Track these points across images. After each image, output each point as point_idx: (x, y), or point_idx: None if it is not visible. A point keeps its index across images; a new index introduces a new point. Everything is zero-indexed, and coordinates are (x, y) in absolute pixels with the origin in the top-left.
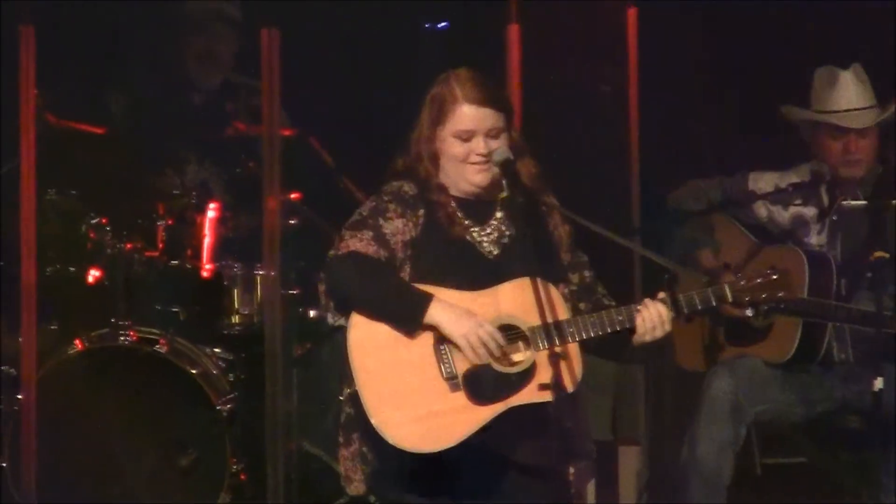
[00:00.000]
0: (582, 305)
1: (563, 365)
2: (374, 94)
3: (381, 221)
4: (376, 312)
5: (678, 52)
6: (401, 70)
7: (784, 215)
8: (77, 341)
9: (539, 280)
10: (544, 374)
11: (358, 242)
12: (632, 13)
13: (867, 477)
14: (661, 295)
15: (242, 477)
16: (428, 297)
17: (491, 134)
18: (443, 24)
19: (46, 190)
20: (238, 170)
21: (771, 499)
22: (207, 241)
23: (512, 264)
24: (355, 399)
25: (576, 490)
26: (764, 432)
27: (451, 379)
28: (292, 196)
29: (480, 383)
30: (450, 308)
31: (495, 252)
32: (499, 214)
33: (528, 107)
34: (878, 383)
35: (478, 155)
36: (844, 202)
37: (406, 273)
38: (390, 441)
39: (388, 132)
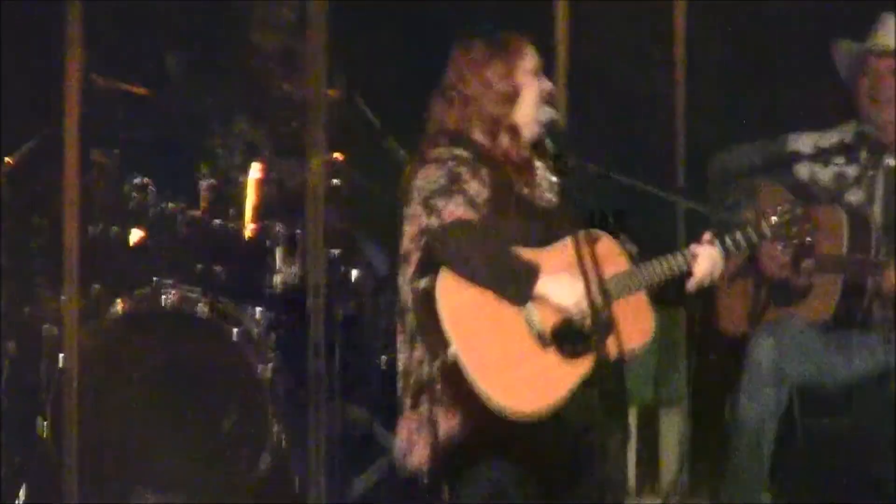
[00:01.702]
0: None
1: (637, 315)
2: (421, 56)
3: (464, 186)
4: (487, 283)
5: (722, 13)
6: (448, 33)
7: (826, 174)
8: (119, 301)
9: (602, 232)
10: (624, 324)
11: (457, 209)
12: None
13: None
14: (707, 236)
15: (284, 438)
16: (535, 271)
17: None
18: None
19: (90, 150)
20: (283, 129)
21: (814, 459)
22: (251, 201)
23: (568, 211)
24: (452, 367)
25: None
26: (806, 394)
27: (540, 337)
28: (336, 156)
29: (568, 339)
30: (555, 279)
31: (554, 200)
32: (538, 164)
33: (576, 70)
34: None
35: (548, 91)
36: (888, 162)
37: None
38: (503, 406)
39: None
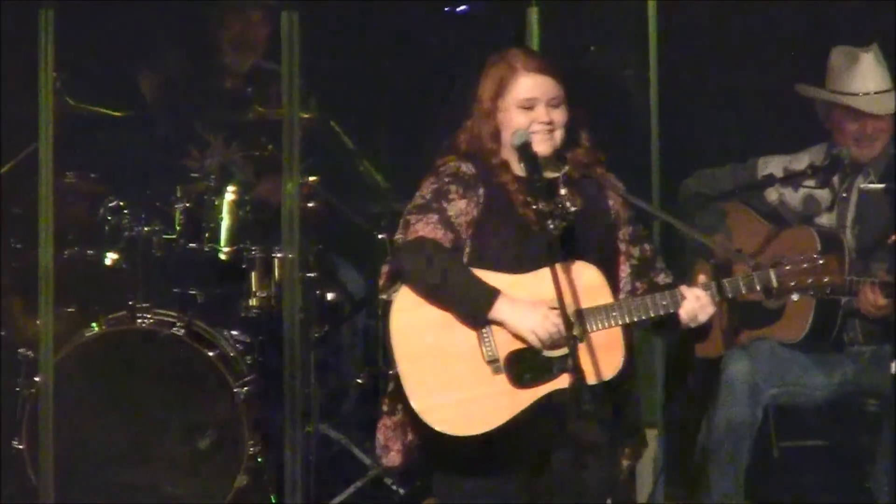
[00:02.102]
0: (638, 284)
1: (605, 350)
2: (394, 78)
3: (445, 204)
4: (443, 302)
5: (698, 35)
6: (421, 53)
7: (795, 197)
8: (95, 324)
9: (585, 263)
10: (587, 359)
11: (425, 227)
12: None
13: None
14: (702, 279)
15: (260, 459)
16: (494, 294)
17: (552, 103)
18: (462, 7)
19: (65, 173)
20: (258, 153)
21: (789, 482)
22: (225, 224)
23: (575, 241)
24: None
25: (628, 469)
26: (781, 415)
27: (492, 362)
28: (311, 179)
29: (522, 367)
30: (515, 304)
31: (560, 228)
32: (562, 191)
33: None
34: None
35: (540, 123)
36: (862, 185)
37: (466, 254)
38: (431, 426)
39: (407, 116)
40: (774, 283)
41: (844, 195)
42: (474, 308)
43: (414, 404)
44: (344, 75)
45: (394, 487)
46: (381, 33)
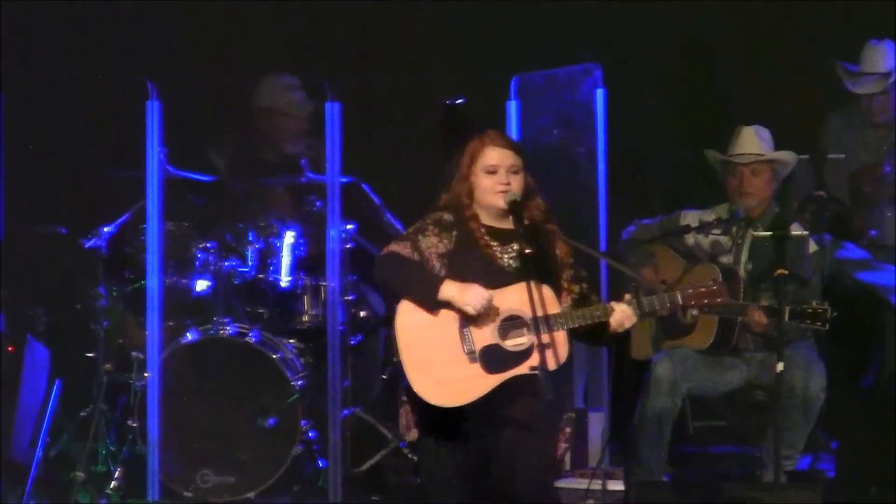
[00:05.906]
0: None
1: (552, 347)
2: (409, 151)
3: (420, 237)
4: (404, 293)
5: (638, 119)
6: (430, 133)
7: (705, 242)
8: (188, 333)
9: (539, 284)
10: (538, 354)
11: (397, 246)
12: (600, 93)
13: (769, 436)
14: (627, 297)
15: (311, 434)
16: (440, 279)
17: (511, 170)
18: (460, 100)
19: (167, 222)
20: (307, 208)
21: (701, 452)
22: (285, 260)
23: (526, 275)
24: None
25: (561, 443)
26: (694, 403)
27: (470, 353)
28: (348, 227)
29: (491, 357)
30: (457, 285)
31: (514, 266)
32: (518, 239)
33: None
34: (780, 366)
35: (500, 184)
36: (755, 234)
37: (443, 276)
38: (423, 398)
39: (419, 180)
40: (680, 301)
41: (739, 242)
42: (427, 291)
43: (413, 383)
44: (370, 149)
45: (409, 456)
46: (398, 118)
